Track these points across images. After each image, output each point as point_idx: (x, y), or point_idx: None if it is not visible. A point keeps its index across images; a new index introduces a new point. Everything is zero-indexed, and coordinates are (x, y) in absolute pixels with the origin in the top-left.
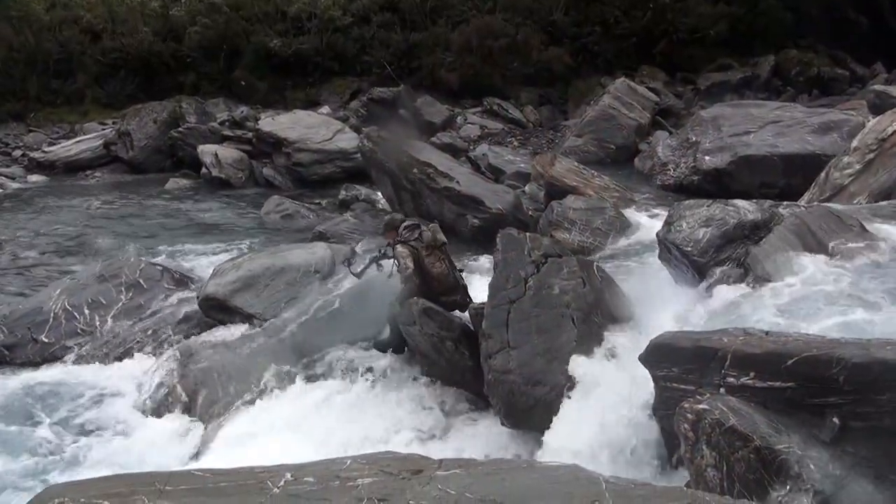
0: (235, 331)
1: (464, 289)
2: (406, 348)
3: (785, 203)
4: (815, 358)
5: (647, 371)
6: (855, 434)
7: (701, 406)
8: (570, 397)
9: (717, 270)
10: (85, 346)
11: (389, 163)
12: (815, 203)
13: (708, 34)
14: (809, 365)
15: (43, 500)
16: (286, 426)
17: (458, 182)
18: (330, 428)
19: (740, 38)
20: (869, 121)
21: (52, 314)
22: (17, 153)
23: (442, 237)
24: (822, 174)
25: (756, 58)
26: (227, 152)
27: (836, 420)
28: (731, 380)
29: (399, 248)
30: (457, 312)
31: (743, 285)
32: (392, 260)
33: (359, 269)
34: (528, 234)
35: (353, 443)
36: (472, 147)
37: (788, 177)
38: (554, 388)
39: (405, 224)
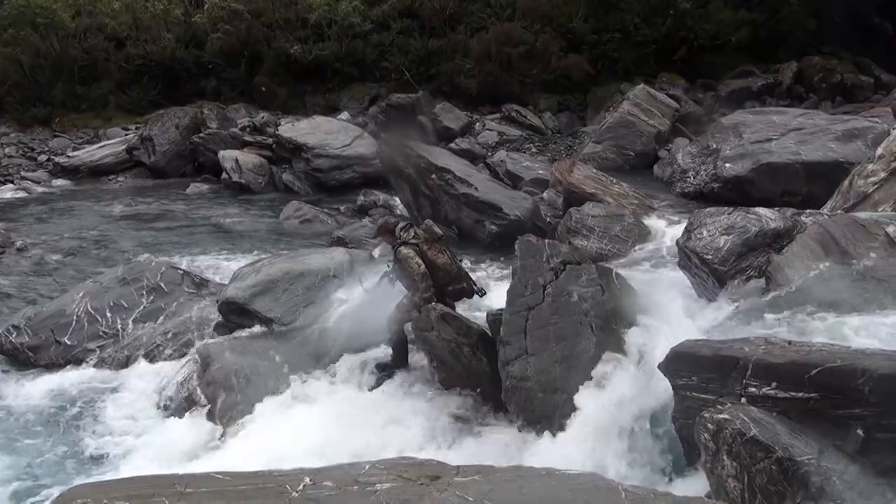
0: (254, 334)
1: (467, 276)
2: (408, 364)
3: (808, 211)
4: (839, 369)
5: (666, 379)
6: (880, 446)
7: (722, 416)
8: (588, 405)
9: (738, 279)
10: (107, 348)
11: (408, 168)
12: (839, 211)
13: (729, 40)
14: (834, 375)
15: (66, 501)
16: (304, 429)
17: (476, 188)
18: (346, 432)
19: (762, 45)
20: (894, 128)
21: (74, 316)
22: (43, 158)
23: (439, 230)
24: (846, 182)
25: (778, 64)
26: (248, 158)
27: (860, 432)
28: (753, 389)
29: (403, 249)
30: (474, 318)
31: (764, 294)
32: (396, 265)
33: (370, 286)
34: (546, 240)
35: (370, 447)
36: (490, 153)
37: (811, 185)
38: (572, 396)
39: (400, 225)
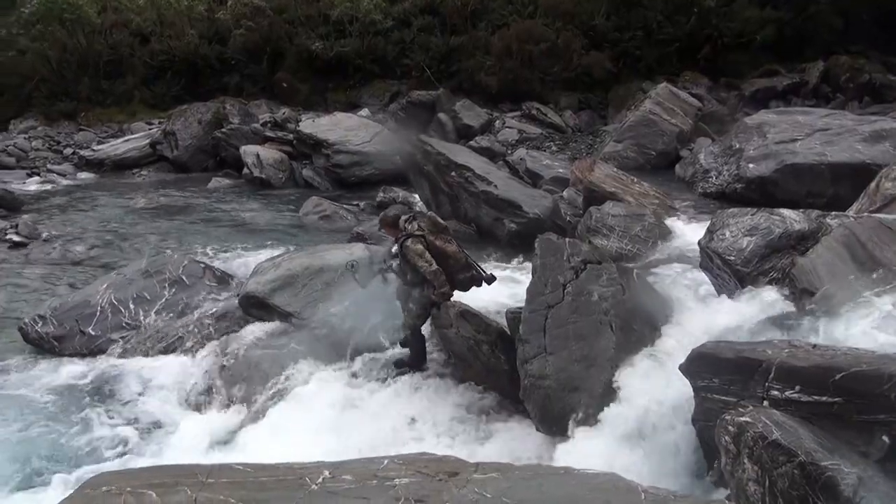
0: (274, 328)
1: (475, 263)
2: (425, 360)
3: (833, 213)
4: (864, 373)
5: (686, 381)
6: None
7: (743, 419)
8: (607, 405)
9: (761, 281)
10: (130, 339)
11: (428, 165)
12: (865, 214)
13: (754, 39)
14: (858, 380)
15: (91, 488)
16: (322, 422)
17: (495, 186)
18: (364, 426)
19: (788, 43)
20: None
21: (99, 307)
22: (69, 151)
23: (442, 221)
24: (873, 184)
25: (804, 63)
26: (269, 153)
27: (885, 438)
28: (775, 393)
29: (409, 243)
30: (493, 315)
31: (788, 296)
32: (397, 260)
33: (365, 280)
34: (567, 239)
35: (388, 442)
36: (510, 151)
37: (836, 186)
38: (591, 395)
39: (403, 217)
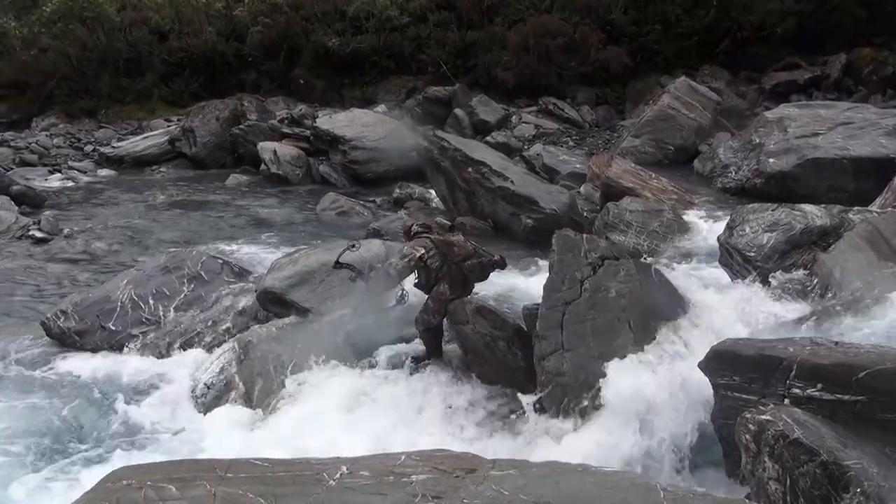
0: (291, 324)
1: (484, 251)
2: (441, 355)
3: (856, 208)
4: (888, 371)
5: (706, 378)
6: None
7: (764, 417)
8: (624, 402)
9: (782, 277)
10: (149, 334)
11: (445, 161)
12: (889, 209)
13: (774, 32)
14: (882, 379)
15: (111, 482)
16: (338, 419)
17: (512, 181)
18: (380, 422)
19: (809, 36)
20: None
21: (119, 303)
22: (89, 148)
23: (447, 221)
24: None
25: (826, 56)
26: (286, 149)
27: None
28: (797, 391)
29: (406, 249)
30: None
31: (810, 293)
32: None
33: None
34: (584, 235)
35: (404, 438)
36: (526, 147)
37: (859, 181)
38: (608, 392)
39: (415, 228)
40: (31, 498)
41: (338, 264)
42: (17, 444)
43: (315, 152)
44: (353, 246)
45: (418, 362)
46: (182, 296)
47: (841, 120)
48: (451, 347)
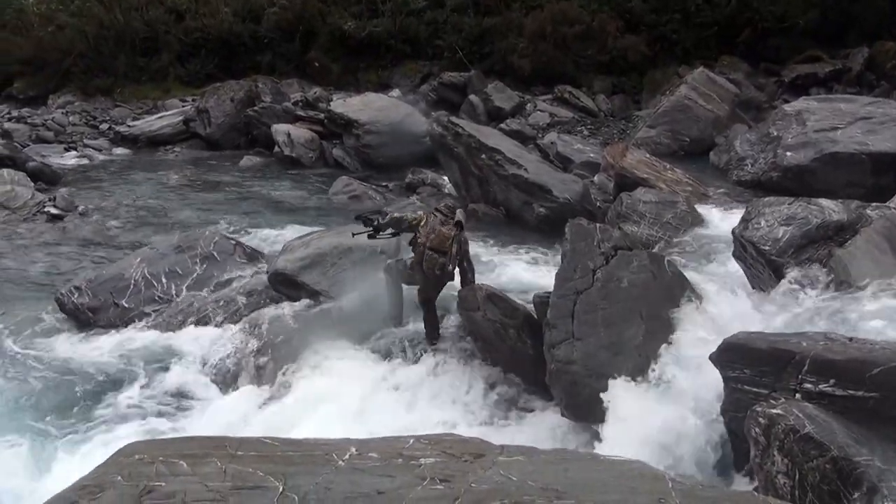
0: (302, 306)
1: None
2: (438, 336)
3: (873, 204)
4: None
5: (716, 371)
6: None
7: (774, 411)
8: (634, 392)
9: (797, 271)
10: (162, 312)
11: (458, 148)
12: None
13: (796, 24)
14: None
15: (124, 455)
16: (348, 400)
17: (525, 169)
18: (390, 405)
19: (831, 28)
20: None
21: (132, 281)
22: (104, 126)
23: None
24: None
25: (847, 49)
26: (300, 132)
27: None
28: (809, 386)
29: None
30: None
31: (824, 288)
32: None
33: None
34: (598, 224)
35: (412, 421)
36: (540, 135)
37: (877, 177)
38: (618, 382)
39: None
40: (42, 470)
41: (357, 218)
42: (31, 418)
43: (329, 135)
44: (359, 217)
45: (428, 344)
46: (194, 275)
47: (861, 114)
48: (459, 334)
